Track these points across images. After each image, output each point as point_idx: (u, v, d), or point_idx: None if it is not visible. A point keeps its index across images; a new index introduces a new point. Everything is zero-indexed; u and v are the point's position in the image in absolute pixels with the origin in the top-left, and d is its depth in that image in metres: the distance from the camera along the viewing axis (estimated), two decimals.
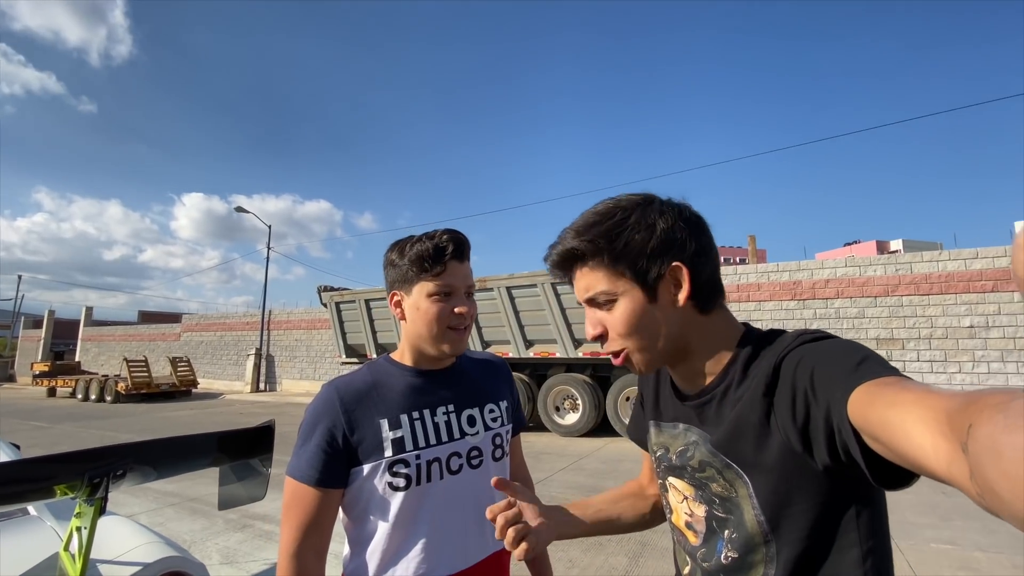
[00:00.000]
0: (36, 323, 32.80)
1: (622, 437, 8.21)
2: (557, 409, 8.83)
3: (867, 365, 0.55)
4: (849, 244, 58.70)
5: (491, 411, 1.10)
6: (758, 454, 0.65)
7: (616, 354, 0.75)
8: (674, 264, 0.70)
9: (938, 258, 9.44)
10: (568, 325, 8.26)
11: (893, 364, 0.56)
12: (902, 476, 0.52)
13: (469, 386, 1.09)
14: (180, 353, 20.15)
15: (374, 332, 10.35)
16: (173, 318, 26.78)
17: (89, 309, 28.25)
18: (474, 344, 8.87)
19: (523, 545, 0.71)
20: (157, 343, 23.04)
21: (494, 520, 0.73)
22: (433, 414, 1.01)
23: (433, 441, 0.99)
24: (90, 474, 1.35)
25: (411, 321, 1.02)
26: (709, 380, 0.73)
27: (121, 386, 15.65)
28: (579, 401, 8.52)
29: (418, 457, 0.97)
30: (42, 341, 28.64)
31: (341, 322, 10.91)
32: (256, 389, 18.27)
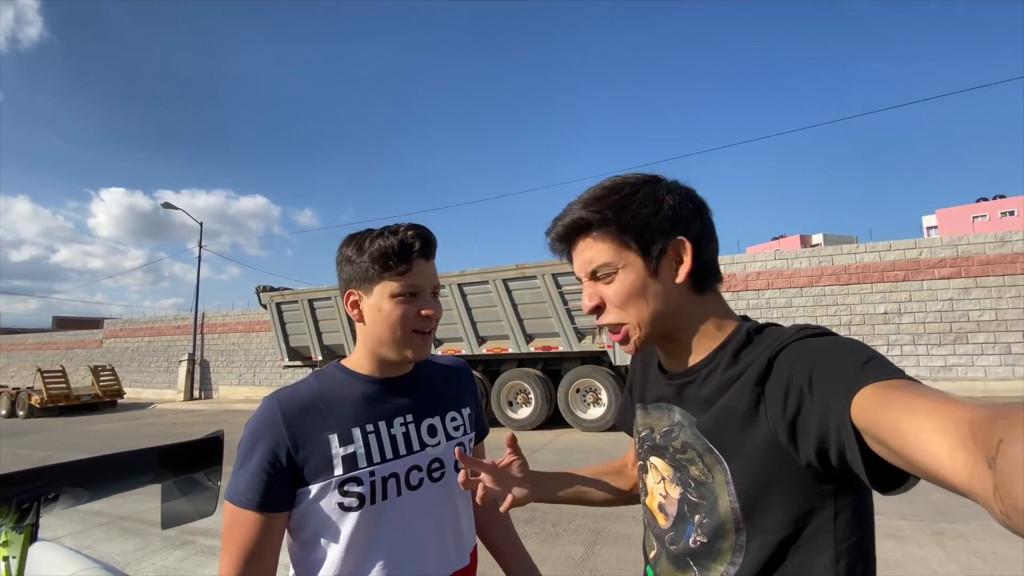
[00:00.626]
0: None
1: (573, 429, 8.42)
2: (510, 404, 8.90)
3: (872, 366, 0.54)
4: (776, 239, 62.59)
5: (453, 419, 1.03)
6: (742, 442, 0.65)
7: (615, 329, 0.75)
8: (679, 239, 0.71)
9: (856, 251, 10.30)
10: (520, 321, 8.36)
11: None
12: (898, 479, 0.51)
13: (429, 393, 1.02)
14: (103, 361, 18.63)
15: (319, 333, 10.01)
16: (93, 323, 24.85)
17: None
18: None
19: (507, 499, 0.86)
20: (76, 351, 21.25)
21: (466, 485, 0.86)
22: (390, 425, 0.94)
23: (390, 455, 0.91)
24: (18, 499, 1.24)
25: (371, 323, 0.94)
26: (695, 360, 0.74)
27: (35, 399, 14.32)
28: (531, 395, 8.62)
29: (372, 474, 0.89)
30: None
31: (283, 324, 10.47)
32: (190, 397, 17.23)
